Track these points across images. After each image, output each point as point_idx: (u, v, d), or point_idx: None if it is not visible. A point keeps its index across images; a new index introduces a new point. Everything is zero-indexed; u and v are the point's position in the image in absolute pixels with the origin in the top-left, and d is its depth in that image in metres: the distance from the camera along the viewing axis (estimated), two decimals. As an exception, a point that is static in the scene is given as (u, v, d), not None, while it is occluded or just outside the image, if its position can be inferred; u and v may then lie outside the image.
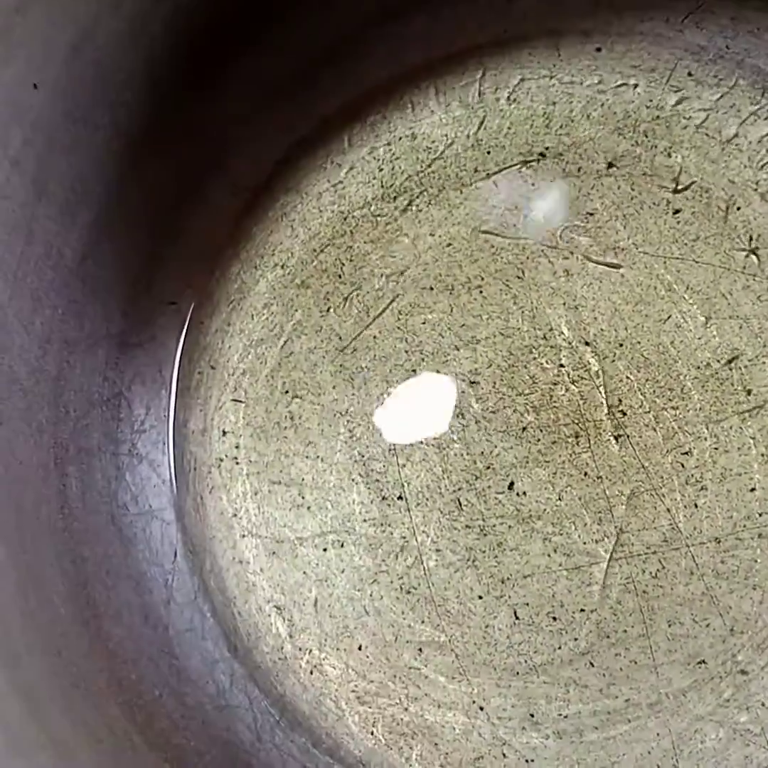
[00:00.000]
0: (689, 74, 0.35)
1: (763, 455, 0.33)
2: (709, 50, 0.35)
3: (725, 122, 0.34)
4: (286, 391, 0.35)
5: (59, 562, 0.29)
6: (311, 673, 0.34)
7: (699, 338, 0.34)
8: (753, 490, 0.33)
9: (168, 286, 0.36)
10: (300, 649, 0.34)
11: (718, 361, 0.33)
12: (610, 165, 0.35)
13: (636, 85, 0.35)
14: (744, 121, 0.34)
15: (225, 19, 0.34)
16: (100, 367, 0.34)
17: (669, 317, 0.34)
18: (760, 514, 0.32)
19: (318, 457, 0.35)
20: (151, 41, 0.32)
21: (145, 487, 0.35)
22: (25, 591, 0.26)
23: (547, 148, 0.35)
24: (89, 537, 0.32)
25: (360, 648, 0.34)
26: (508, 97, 0.36)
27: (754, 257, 0.34)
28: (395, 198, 0.36)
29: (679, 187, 0.34)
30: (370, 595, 0.34)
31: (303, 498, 0.35)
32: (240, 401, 0.36)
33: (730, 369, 0.33)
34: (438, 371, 0.35)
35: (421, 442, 0.34)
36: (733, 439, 0.33)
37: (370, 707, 0.34)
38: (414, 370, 0.35)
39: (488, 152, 0.36)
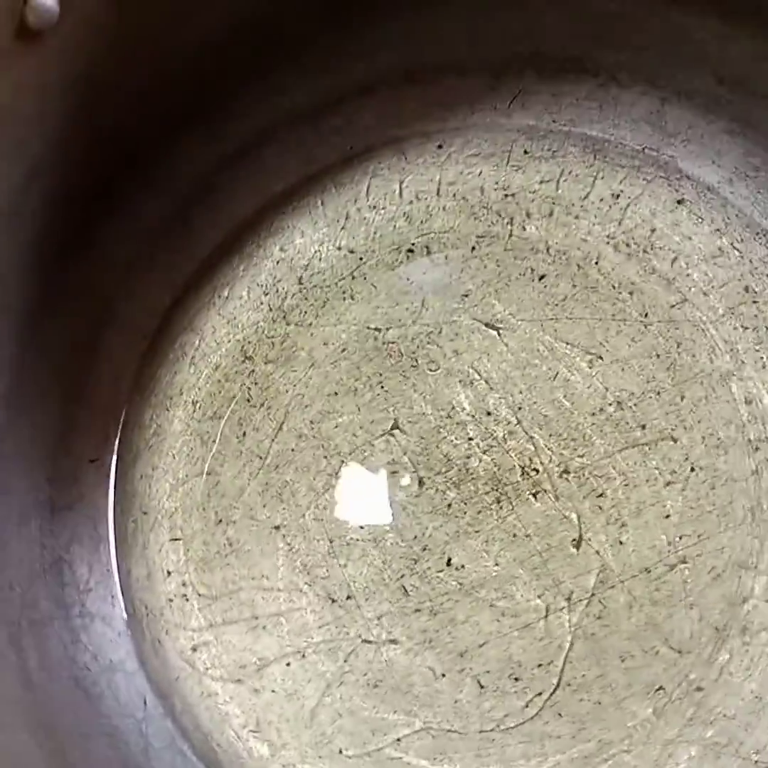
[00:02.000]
0: (525, 152, 0.38)
1: (669, 483, 0.35)
2: (538, 128, 0.38)
3: (566, 188, 0.38)
4: (220, 520, 0.37)
5: (32, 735, 0.29)
6: (299, 787, 0.35)
7: (588, 387, 0.36)
8: (668, 516, 0.35)
9: (86, 445, 0.37)
10: (284, 766, 0.35)
11: (610, 404, 0.36)
12: (473, 248, 0.38)
13: (481, 172, 0.38)
14: (583, 184, 0.37)
15: (90, 181, 0.35)
16: (35, 537, 0.35)
17: (557, 374, 0.36)
18: (680, 538, 0.35)
19: (263, 576, 0.36)
20: (27, 216, 0.34)
21: (102, 643, 0.36)
22: (4, 772, 0.27)
23: (413, 244, 0.38)
24: (56, 704, 0.32)
25: (341, 751, 0.35)
26: (369, 206, 0.38)
27: (620, 304, 0.36)
28: (285, 317, 0.38)
29: (541, 255, 0.37)
30: (340, 698, 0.35)
31: (256, 619, 0.36)
32: (178, 539, 0.37)
33: (622, 409, 0.36)
34: (359, 470, 0.36)
35: (357, 539, 0.36)
36: (639, 472, 0.35)
37: (362, 807, 0.35)
38: (336, 473, 0.36)
39: (361, 258, 0.38)
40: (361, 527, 0.36)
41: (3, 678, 0.30)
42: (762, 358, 0.36)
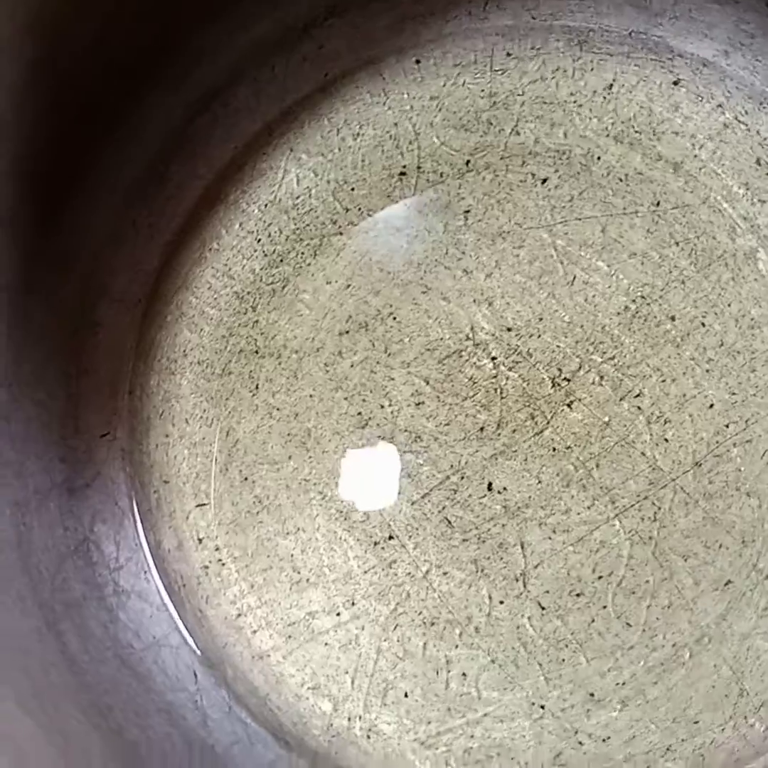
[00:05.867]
0: (508, 54, 0.36)
1: (708, 371, 0.33)
2: (518, 27, 0.36)
3: (556, 85, 0.36)
4: (245, 479, 0.35)
5: (87, 717, 0.28)
6: (368, 737, 0.34)
7: (609, 286, 0.34)
8: (712, 406, 0.33)
9: (94, 420, 0.36)
10: (349, 719, 0.34)
11: (634, 300, 0.34)
12: (467, 161, 0.36)
13: (464, 82, 0.36)
14: (573, 78, 0.36)
15: (55, 145, 0.33)
16: (57, 519, 0.33)
17: (574, 278, 0.35)
18: (727, 425, 0.33)
19: (298, 529, 0.34)
20: None
21: (142, 620, 0.34)
22: (66, 756, 0.25)
23: (404, 167, 0.36)
24: (106, 685, 0.31)
25: (406, 695, 0.33)
26: (352, 134, 0.36)
27: (629, 196, 0.35)
28: (282, 261, 0.36)
29: (539, 158, 0.35)
30: (398, 640, 0.34)
31: (298, 573, 0.34)
32: (204, 504, 0.35)
33: (648, 304, 0.34)
34: (382, 406, 0.35)
35: (391, 478, 0.34)
36: (675, 366, 0.34)
37: (437, 749, 0.33)
38: (359, 413, 0.35)
39: (353, 189, 0.36)
40: (394, 464, 0.34)
41: (47, 662, 0.28)
42: (785, 229, 0.34)
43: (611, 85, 0.36)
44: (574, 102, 0.36)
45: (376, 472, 0.34)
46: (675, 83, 0.35)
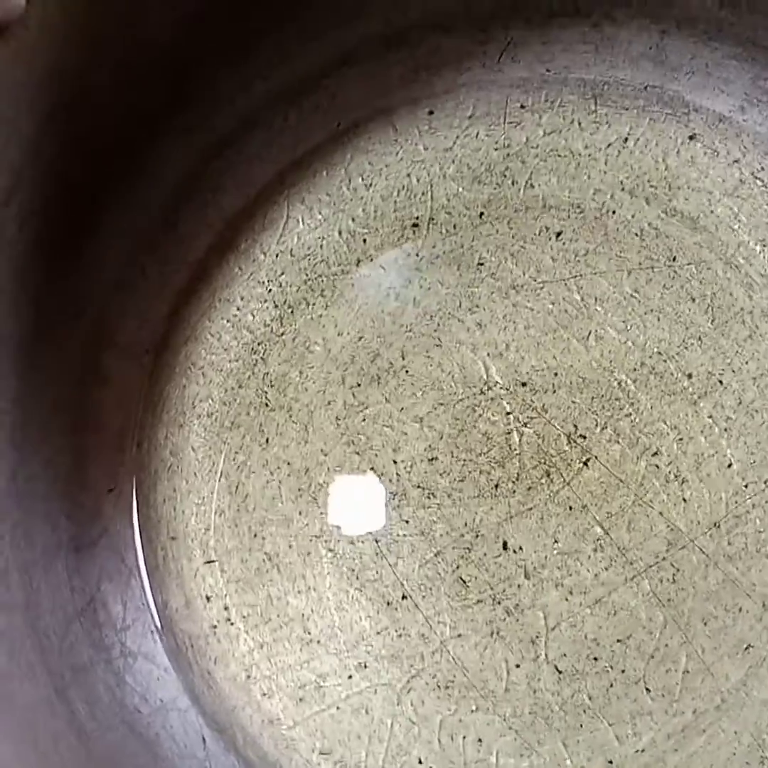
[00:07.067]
0: (522, 106, 0.36)
1: (726, 430, 0.33)
2: (532, 79, 0.36)
3: (571, 138, 0.36)
4: (255, 535, 0.34)
5: (96, 792, 0.27)
6: (382, 805, 0.33)
7: (625, 342, 0.34)
8: (730, 465, 0.33)
9: (101, 475, 0.35)
10: (362, 786, 0.33)
11: (650, 357, 0.34)
12: (481, 214, 0.35)
13: (477, 133, 0.36)
14: (587, 131, 0.35)
15: (71, 192, 0.33)
16: (64, 579, 0.33)
17: (590, 333, 0.34)
18: (747, 486, 0.33)
19: (309, 587, 0.34)
20: (11, 235, 0.31)
21: (149, 683, 0.33)
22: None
23: (417, 218, 0.36)
24: (114, 754, 0.30)
25: (420, 761, 0.33)
26: (364, 185, 0.36)
27: (645, 251, 0.34)
28: (293, 312, 0.36)
29: (554, 212, 0.35)
30: (411, 704, 0.33)
31: (309, 634, 0.34)
32: (213, 561, 0.35)
33: (665, 360, 0.34)
34: (394, 462, 0.34)
35: (404, 535, 0.34)
36: (692, 424, 0.33)
37: (452, 817, 0.32)
38: (371, 469, 0.34)
39: (364, 240, 0.36)
40: (407, 522, 0.34)
41: (57, 733, 0.27)
42: (803, 287, 0.34)
43: (626, 139, 0.35)
44: (589, 155, 0.35)
45: (388, 529, 0.34)
46: (691, 138, 0.35)
